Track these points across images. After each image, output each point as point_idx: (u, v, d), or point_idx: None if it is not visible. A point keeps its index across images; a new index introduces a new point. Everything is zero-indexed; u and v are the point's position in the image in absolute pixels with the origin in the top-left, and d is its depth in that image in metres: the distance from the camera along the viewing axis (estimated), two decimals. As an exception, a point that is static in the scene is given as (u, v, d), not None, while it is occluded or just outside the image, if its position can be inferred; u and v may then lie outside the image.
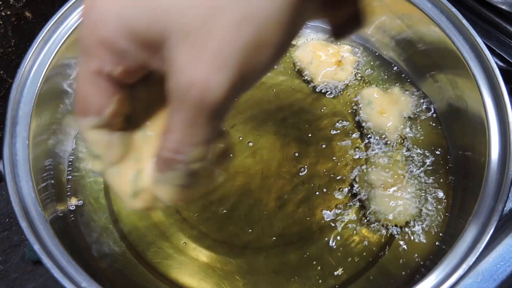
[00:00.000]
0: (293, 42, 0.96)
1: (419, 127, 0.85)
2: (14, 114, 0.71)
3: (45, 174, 0.75)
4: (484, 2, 0.89)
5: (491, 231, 0.64)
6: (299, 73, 0.91)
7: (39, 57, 0.76)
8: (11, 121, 0.70)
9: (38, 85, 0.74)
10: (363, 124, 0.85)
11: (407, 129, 0.84)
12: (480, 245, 0.64)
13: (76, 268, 0.61)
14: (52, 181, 0.76)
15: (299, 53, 0.91)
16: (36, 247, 0.61)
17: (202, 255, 0.75)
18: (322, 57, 0.89)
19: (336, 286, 0.73)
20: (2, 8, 0.83)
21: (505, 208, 0.67)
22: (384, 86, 0.89)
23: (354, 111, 0.87)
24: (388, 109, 0.83)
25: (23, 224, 0.62)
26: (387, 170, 0.78)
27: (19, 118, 0.71)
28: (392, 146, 0.82)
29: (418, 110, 0.86)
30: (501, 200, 0.66)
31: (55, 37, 0.77)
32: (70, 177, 0.81)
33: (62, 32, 0.78)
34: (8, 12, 0.86)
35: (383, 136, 0.83)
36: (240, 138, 0.84)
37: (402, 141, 0.83)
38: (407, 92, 0.87)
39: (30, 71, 0.74)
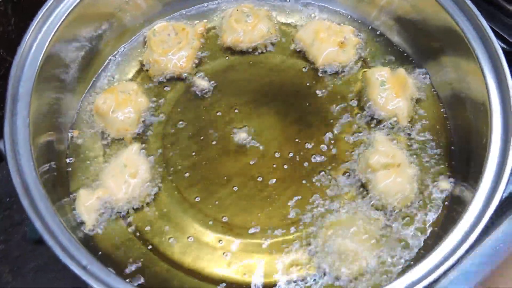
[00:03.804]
0: (296, 22, 0.95)
1: (422, 109, 0.85)
2: (15, 91, 0.71)
3: (45, 153, 0.75)
4: (489, -17, 0.88)
5: (491, 213, 0.64)
6: (301, 54, 0.90)
7: (39, 34, 0.75)
8: (12, 98, 0.70)
9: (39, 62, 0.73)
10: (368, 105, 0.84)
11: (412, 111, 0.83)
12: (479, 227, 0.64)
13: (77, 246, 0.61)
14: (53, 162, 0.76)
15: (301, 34, 0.90)
16: (37, 224, 0.61)
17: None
18: (324, 38, 0.87)
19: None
20: (1, -15, 0.82)
21: (505, 190, 0.66)
22: (389, 68, 0.87)
23: (357, 92, 0.86)
24: (399, 90, 0.82)
25: (25, 203, 0.62)
26: (389, 152, 0.77)
27: (20, 96, 0.71)
28: (397, 128, 0.82)
29: (422, 91, 0.86)
30: (501, 183, 0.66)
31: (56, 13, 0.77)
32: (72, 159, 0.81)
33: (63, 9, 0.77)
34: (8, -10, 0.85)
35: (391, 118, 0.82)
36: (241, 119, 0.84)
37: (407, 123, 0.82)
38: (412, 74, 0.87)
39: (30, 49, 0.74)
